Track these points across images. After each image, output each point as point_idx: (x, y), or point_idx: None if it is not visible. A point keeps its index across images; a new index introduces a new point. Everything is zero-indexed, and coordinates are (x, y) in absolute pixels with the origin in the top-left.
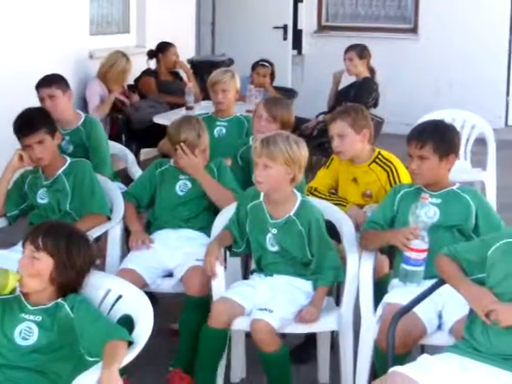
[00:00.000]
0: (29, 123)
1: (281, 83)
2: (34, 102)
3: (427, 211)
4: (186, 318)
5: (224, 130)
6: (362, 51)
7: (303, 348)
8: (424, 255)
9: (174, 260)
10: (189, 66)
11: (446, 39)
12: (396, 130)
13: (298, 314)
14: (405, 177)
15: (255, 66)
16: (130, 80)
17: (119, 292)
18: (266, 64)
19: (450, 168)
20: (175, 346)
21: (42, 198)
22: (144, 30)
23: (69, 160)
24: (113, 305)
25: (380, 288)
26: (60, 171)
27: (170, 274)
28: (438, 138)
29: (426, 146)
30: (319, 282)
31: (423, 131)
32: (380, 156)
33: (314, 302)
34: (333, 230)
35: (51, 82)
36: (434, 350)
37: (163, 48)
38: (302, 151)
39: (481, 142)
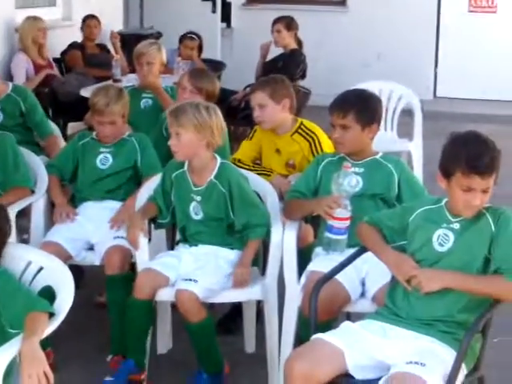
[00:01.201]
0: None
1: (210, 56)
2: None
3: (350, 180)
4: (111, 299)
5: (150, 102)
6: (289, 23)
7: (229, 318)
8: (347, 224)
9: (97, 233)
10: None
11: (374, 11)
12: (325, 102)
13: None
14: (327, 146)
15: (183, 38)
16: (57, 53)
17: (40, 264)
18: (194, 36)
19: (372, 137)
20: (102, 319)
21: None
22: (70, 3)
23: None
24: (34, 276)
25: (304, 257)
26: None
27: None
28: (360, 107)
29: (348, 115)
30: (249, 236)
31: (345, 100)
32: (302, 126)
33: (242, 258)
34: None
35: None
36: (360, 317)
37: (84, 20)
38: (213, 116)
39: (408, 112)
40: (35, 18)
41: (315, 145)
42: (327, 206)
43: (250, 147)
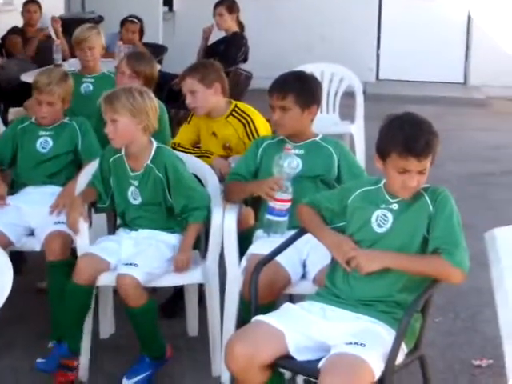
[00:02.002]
0: None
1: (151, 40)
2: None
3: (290, 162)
4: (52, 285)
5: (91, 87)
6: (231, 6)
7: (172, 302)
8: (288, 205)
9: (37, 219)
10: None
11: None
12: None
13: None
14: (262, 128)
15: (124, 22)
16: None
17: None
18: (135, 20)
19: (312, 119)
20: (44, 305)
21: None
22: None
23: None
24: None
25: (246, 240)
26: None
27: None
28: (300, 88)
29: (287, 96)
30: (188, 219)
31: (284, 82)
32: (237, 109)
33: (182, 243)
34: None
35: None
36: (302, 299)
37: (24, 5)
38: (147, 100)
39: (351, 95)
40: None
41: (249, 127)
42: (268, 188)
43: (188, 131)
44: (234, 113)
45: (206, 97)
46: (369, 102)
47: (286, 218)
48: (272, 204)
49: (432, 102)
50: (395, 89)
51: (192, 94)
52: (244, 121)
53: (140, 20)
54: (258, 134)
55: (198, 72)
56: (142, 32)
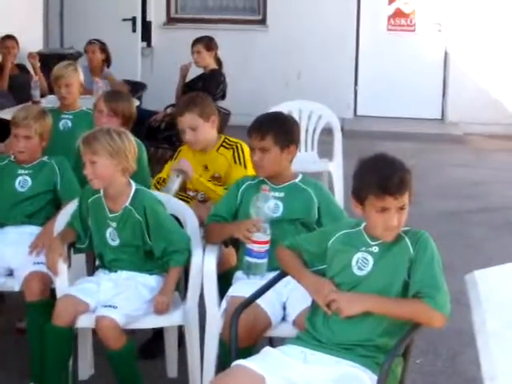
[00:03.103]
0: None
1: (130, 76)
2: None
3: (268, 203)
4: (31, 325)
5: (70, 123)
6: (208, 43)
7: (151, 343)
8: (266, 247)
9: (16, 259)
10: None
11: (294, 30)
12: (245, 122)
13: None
14: (249, 156)
15: (86, 46)
16: None
17: None
18: (93, 41)
19: (291, 159)
20: (23, 345)
21: None
22: None
23: None
24: None
25: (226, 280)
26: None
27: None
28: (278, 128)
29: (266, 137)
30: (169, 263)
31: (263, 123)
32: (226, 140)
33: (163, 286)
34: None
35: None
36: (283, 342)
37: (1, 41)
38: (126, 141)
39: (329, 131)
40: None
41: (237, 151)
42: (246, 230)
43: None
44: (223, 144)
45: (205, 131)
46: (347, 139)
47: (264, 260)
48: (250, 246)
49: (410, 139)
50: (373, 125)
51: (193, 129)
52: (234, 146)
53: (101, 42)
54: (244, 159)
55: (196, 106)
56: (107, 55)
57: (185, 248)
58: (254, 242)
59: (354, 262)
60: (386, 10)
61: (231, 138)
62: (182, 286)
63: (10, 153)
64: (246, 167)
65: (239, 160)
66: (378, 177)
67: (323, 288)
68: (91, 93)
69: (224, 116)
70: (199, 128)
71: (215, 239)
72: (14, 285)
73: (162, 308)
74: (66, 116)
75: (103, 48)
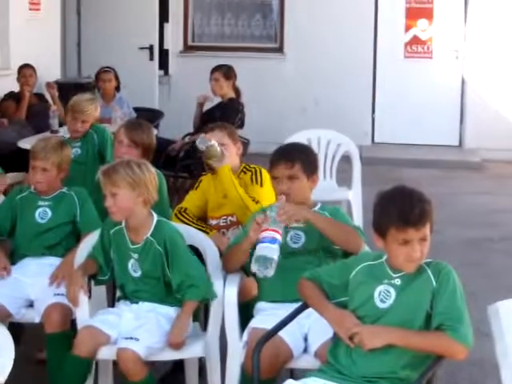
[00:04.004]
0: None
1: (147, 104)
2: None
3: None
4: (51, 357)
5: (79, 151)
6: (227, 72)
7: (171, 375)
8: (275, 235)
9: (36, 290)
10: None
11: (311, 58)
12: (263, 150)
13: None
14: (267, 179)
15: (98, 74)
16: None
17: None
18: (107, 69)
19: (313, 187)
20: (43, 375)
21: None
22: (8, 52)
23: None
24: None
25: (247, 311)
26: None
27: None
28: (305, 157)
29: (295, 165)
30: (184, 297)
31: (290, 151)
32: (246, 166)
33: (177, 320)
34: (198, 257)
35: None
36: (303, 373)
37: (19, 69)
38: (146, 172)
39: (347, 159)
40: None
41: (256, 174)
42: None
43: (195, 196)
44: (244, 169)
45: (231, 152)
46: (365, 166)
47: (272, 245)
48: (261, 235)
49: (428, 166)
50: (391, 152)
51: (221, 146)
52: (252, 170)
53: (113, 69)
54: (261, 180)
55: (225, 127)
56: (117, 81)
57: (201, 283)
58: (264, 230)
59: (376, 295)
60: (403, 37)
61: (251, 165)
62: (201, 317)
63: (30, 184)
64: (262, 186)
65: (256, 180)
66: (399, 209)
67: (345, 321)
68: (106, 121)
69: (243, 145)
70: (227, 147)
71: (234, 262)
72: (35, 316)
73: (177, 345)
74: (76, 145)
75: (116, 75)
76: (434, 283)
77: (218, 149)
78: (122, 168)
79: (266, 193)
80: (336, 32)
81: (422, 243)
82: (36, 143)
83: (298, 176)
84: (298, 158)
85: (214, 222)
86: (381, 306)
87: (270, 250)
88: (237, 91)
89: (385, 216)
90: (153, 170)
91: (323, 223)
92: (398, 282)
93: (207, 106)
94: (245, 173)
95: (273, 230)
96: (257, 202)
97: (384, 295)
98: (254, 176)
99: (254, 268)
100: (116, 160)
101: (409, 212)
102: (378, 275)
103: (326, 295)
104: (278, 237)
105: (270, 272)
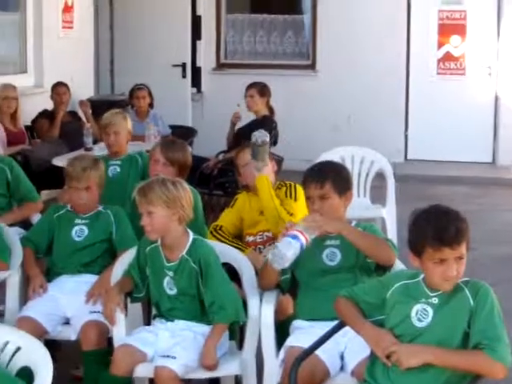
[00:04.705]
0: None
1: (180, 121)
2: None
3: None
4: (87, 374)
5: (118, 169)
6: (262, 89)
7: None
8: (296, 234)
9: (72, 308)
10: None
11: (343, 74)
12: (296, 167)
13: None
14: (301, 193)
15: (132, 91)
16: (27, 121)
17: (17, 344)
18: (141, 86)
19: (347, 205)
20: None
21: None
22: (42, 70)
23: None
24: (11, 357)
25: (284, 329)
26: None
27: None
28: (336, 175)
29: (325, 184)
30: (214, 318)
31: (320, 171)
32: (281, 182)
33: (206, 344)
34: (234, 274)
35: None
36: None
37: (53, 87)
38: (181, 190)
39: (380, 176)
40: (5, 86)
41: (290, 188)
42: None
43: (231, 215)
44: (279, 185)
45: (268, 169)
46: (397, 183)
47: (291, 240)
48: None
49: (461, 183)
50: (424, 169)
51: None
52: (287, 185)
53: (147, 86)
54: (295, 194)
55: None
56: (151, 98)
57: (231, 305)
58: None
59: (413, 314)
60: (436, 53)
61: (286, 181)
62: (237, 335)
63: (64, 202)
64: (296, 200)
65: (290, 194)
66: (434, 228)
67: (383, 339)
68: (140, 139)
69: (277, 162)
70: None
71: (267, 279)
72: (71, 334)
73: (209, 363)
74: (114, 162)
75: (150, 92)
76: (472, 302)
77: (267, 151)
78: (158, 186)
79: (300, 207)
80: (368, 49)
81: (458, 262)
82: (70, 163)
83: (329, 195)
84: (328, 177)
85: (250, 239)
86: (418, 324)
87: (286, 244)
88: (270, 109)
89: (420, 235)
90: (188, 187)
91: (354, 235)
92: (435, 300)
93: (241, 123)
94: (280, 188)
95: (298, 231)
96: (291, 215)
97: (421, 314)
98: (288, 191)
99: (269, 257)
100: (151, 178)
101: (444, 231)
102: (414, 294)
103: (362, 313)
104: (301, 237)
105: (283, 264)
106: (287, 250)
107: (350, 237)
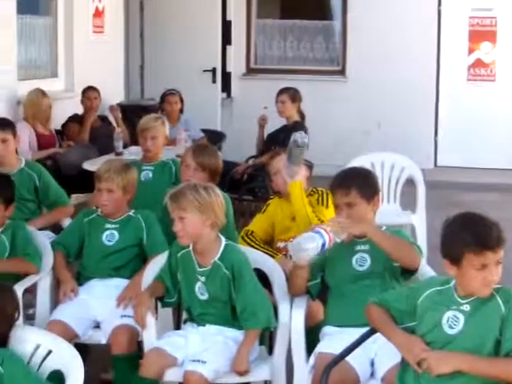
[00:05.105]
0: None
1: (210, 126)
2: None
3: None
4: (118, 378)
5: (150, 174)
6: (294, 95)
7: None
8: (321, 230)
9: (102, 311)
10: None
11: (373, 80)
12: (326, 172)
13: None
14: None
15: (164, 96)
16: (57, 125)
17: (49, 347)
18: (173, 91)
19: (376, 210)
20: None
21: None
22: (72, 74)
23: (7, 221)
24: (42, 360)
25: (313, 335)
26: None
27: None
28: (361, 181)
29: (351, 191)
30: (246, 325)
31: (345, 178)
32: (314, 189)
33: (240, 348)
34: (265, 280)
35: (6, 126)
36: None
37: (83, 92)
38: (213, 195)
39: (410, 182)
40: (43, 94)
41: (322, 195)
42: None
43: (262, 220)
44: (311, 192)
45: (301, 175)
46: (427, 190)
47: (315, 236)
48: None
49: (491, 189)
50: (454, 176)
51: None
52: (319, 192)
53: (178, 92)
54: (327, 201)
55: None
56: (182, 103)
57: (263, 312)
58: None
59: (444, 321)
60: (466, 59)
61: (318, 188)
62: (266, 340)
63: (94, 206)
64: (327, 207)
65: (322, 201)
66: (475, 233)
67: (414, 346)
68: (174, 143)
69: (307, 168)
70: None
71: (296, 283)
72: (101, 337)
73: (241, 369)
74: (147, 167)
75: (181, 98)
76: (503, 309)
77: (304, 154)
78: (190, 192)
79: (331, 214)
80: (398, 54)
81: (497, 266)
82: (101, 166)
83: (355, 202)
84: (353, 184)
85: (282, 245)
86: (449, 331)
87: (309, 238)
88: (301, 114)
89: (459, 242)
90: (219, 192)
91: (379, 236)
92: (466, 307)
93: (271, 129)
94: (312, 195)
95: (323, 229)
96: (321, 222)
97: (452, 321)
98: (320, 198)
99: (289, 247)
100: (183, 183)
101: (486, 235)
102: (445, 301)
103: (393, 320)
104: (325, 234)
105: (302, 257)
106: (308, 243)
107: (375, 238)
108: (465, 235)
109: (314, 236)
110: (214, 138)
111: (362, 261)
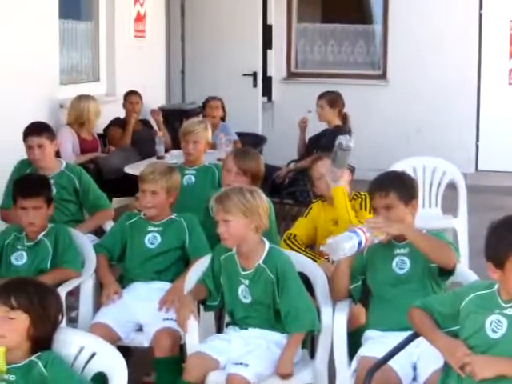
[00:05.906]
0: (32, 187)
1: (251, 130)
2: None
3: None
4: (160, 382)
5: (193, 178)
6: (333, 100)
7: None
8: (357, 230)
9: (145, 314)
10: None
11: (414, 85)
12: (368, 176)
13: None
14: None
15: (207, 101)
16: (100, 129)
17: (93, 349)
18: (216, 97)
19: (414, 213)
20: None
21: (18, 259)
22: (114, 79)
23: (49, 225)
24: (86, 363)
25: (355, 339)
26: (41, 235)
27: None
28: (399, 183)
29: (389, 193)
30: (290, 328)
31: (383, 181)
32: (357, 193)
33: (284, 352)
34: (307, 284)
35: (41, 131)
36: None
37: (125, 96)
38: (258, 199)
39: (451, 186)
40: (94, 99)
41: (365, 200)
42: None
43: (305, 224)
44: (354, 196)
45: (344, 179)
46: (468, 194)
47: (351, 235)
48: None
49: None
50: (496, 180)
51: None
52: (362, 196)
53: (220, 99)
54: (370, 208)
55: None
56: (224, 111)
57: (307, 315)
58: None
59: (487, 325)
60: (507, 63)
61: (361, 192)
62: (308, 344)
63: (137, 209)
64: (370, 212)
65: (365, 206)
66: None
67: (457, 350)
68: (214, 147)
69: (350, 172)
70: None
71: (337, 286)
72: (144, 340)
73: (285, 373)
74: (190, 172)
75: (223, 105)
76: None
77: (348, 158)
78: (235, 195)
79: None
80: (439, 58)
81: None
82: (145, 168)
83: (393, 205)
84: (391, 187)
85: (324, 249)
86: (492, 335)
87: (345, 237)
88: (344, 118)
89: (503, 245)
90: (264, 196)
91: (416, 236)
92: (510, 311)
93: (313, 132)
94: (355, 199)
95: (360, 229)
96: None
97: (495, 325)
98: (363, 202)
99: (328, 242)
100: (225, 187)
101: None
102: (489, 305)
103: (437, 324)
104: (361, 234)
105: (337, 254)
106: (344, 242)
107: (412, 238)
108: (509, 238)
109: (350, 235)
110: (255, 140)
111: (401, 264)
